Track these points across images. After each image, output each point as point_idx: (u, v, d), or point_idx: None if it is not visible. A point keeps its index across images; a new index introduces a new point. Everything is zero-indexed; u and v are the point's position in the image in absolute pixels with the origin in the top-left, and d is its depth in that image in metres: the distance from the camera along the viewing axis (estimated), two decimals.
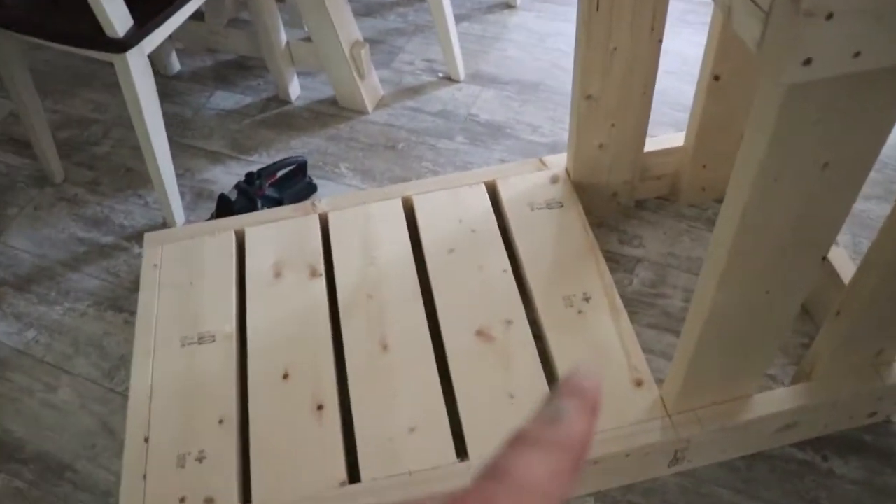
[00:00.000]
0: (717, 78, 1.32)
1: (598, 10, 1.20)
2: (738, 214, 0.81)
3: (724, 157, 1.45)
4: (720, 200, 1.29)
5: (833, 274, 1.33)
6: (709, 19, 1.33)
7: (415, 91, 1.91)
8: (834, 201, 0.82)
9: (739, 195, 0.81)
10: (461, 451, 1.14)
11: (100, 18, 1.39)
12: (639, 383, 1.19)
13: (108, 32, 1.41)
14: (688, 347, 1.05)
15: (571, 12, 2.02)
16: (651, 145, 1.48)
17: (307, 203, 1.49)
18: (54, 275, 1.65)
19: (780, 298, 0.95)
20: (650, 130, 1.46)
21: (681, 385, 1.10)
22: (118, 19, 1.40)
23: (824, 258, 0.90)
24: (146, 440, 1.20)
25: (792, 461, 1.26)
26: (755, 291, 0.93)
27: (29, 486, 1.34)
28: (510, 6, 2.11)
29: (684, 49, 1.94)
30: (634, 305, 1.44)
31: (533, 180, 1.47)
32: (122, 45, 1.42)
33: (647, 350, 1.34)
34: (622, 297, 1.40)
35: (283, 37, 1.84)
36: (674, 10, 1.98)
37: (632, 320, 1.30)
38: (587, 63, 1.26)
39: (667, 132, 1.68)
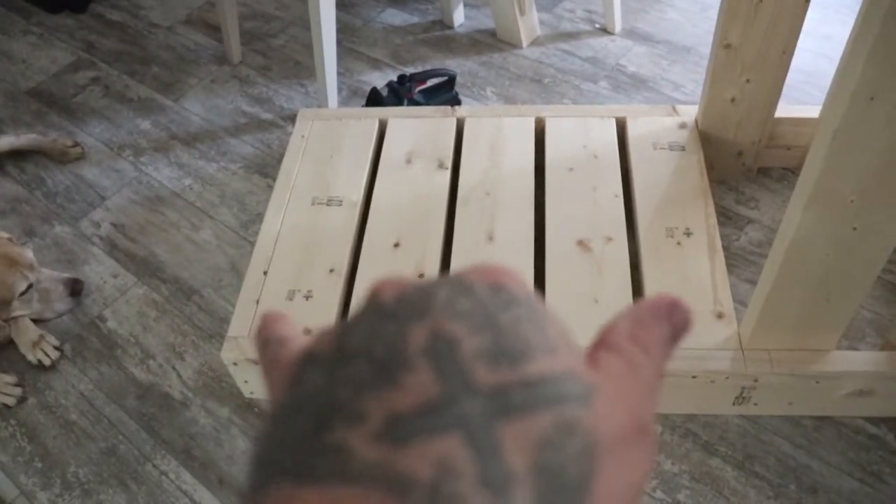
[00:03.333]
0: None
1: None
2: (830, 134, 0.86)
3: None
4: None
5: None
6: None
7: (570, 36, 1.99)
8: None
9: (834, 113, 0.85)
10: None
11: None
12: (720, 316, 1.24)
13: None
14: (768, 278, 1.09)
15: None
16: (784, 112, 1.50)
17: (448, 107, 1.60)
18: (216, 137, 1.85)
19: (868, 239, 0.99)
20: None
21: (757, 318, 1.14)
22: None
23: None
24: (265, 273, 1.36)
25: (862, 433, 1.26)
26: (842, 224, 0.97)
27: (164, 300, 1.53)
28: None
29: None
30: (736, 260, 1.48)
31: (661, 123, 1.53)
32: None
33: (738, 301, 1.37)
34: (726, 249, 1.44)
35: None
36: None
37: (730, 272, 1.34)
38: (732, 10, 1.31)
39: None
